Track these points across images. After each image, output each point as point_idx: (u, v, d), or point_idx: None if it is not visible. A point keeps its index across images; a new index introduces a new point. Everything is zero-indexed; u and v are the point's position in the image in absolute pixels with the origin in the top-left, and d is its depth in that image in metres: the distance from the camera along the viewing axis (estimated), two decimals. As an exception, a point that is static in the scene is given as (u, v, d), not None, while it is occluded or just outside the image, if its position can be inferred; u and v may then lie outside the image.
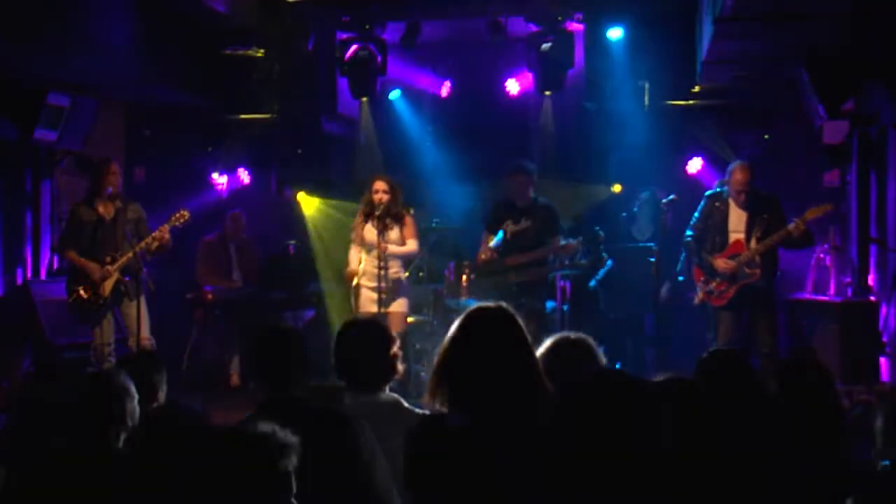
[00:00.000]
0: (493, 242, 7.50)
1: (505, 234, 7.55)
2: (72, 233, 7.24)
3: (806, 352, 7.01)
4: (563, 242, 7.45)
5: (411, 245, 7.21)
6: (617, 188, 8.95)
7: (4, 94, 7.37)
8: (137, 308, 7.07)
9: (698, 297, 7.16)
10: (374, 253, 7.04)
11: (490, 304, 3.10)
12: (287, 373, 3.58)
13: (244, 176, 9.45)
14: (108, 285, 7.07)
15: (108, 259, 7.06)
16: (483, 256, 7.55)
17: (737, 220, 7.02)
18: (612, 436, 2.07)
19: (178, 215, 7.20)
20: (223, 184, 9.50)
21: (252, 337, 3.71)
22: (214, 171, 9.40)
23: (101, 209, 7.17)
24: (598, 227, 7.88)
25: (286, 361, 3.58)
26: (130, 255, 7.01)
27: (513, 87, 9.10)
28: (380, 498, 3.19)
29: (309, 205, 9.48)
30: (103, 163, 7.26)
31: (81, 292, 7.07)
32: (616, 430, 2.07)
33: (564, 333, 3.42)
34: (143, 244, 7.04)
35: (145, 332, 7.11)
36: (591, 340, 3.37)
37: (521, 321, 3.07)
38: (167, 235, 7.11)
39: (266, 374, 3.61)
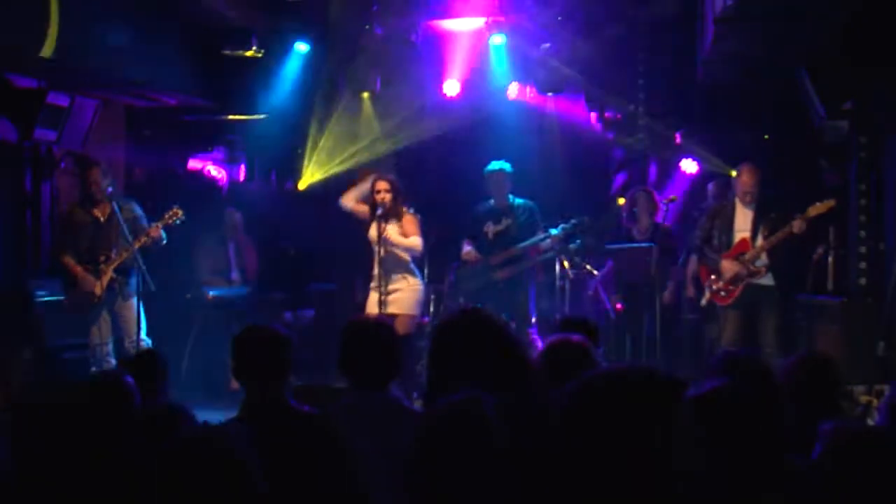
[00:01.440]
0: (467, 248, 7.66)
1: (486, 235, 7.70)
2: (67, 236, 7.29)
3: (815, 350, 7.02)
4: (550, 232, 7.54)
5: (413, 241, 7.18)
6: (621, 202, 8.93)
7: (4, 94, 7.37)
8: (136, 308, 7.12)
9: (706, 297, 7.21)
10: (379, 254, 7.06)
11: (460, 309, 3.11)
12: (270, 374, 3.58)
13: (244, 175, 9.44)
14: (103, 284, 7.12)
15: (103, 258, 7.11)
16: (467, 258, 7.71)
17: (743, 220, 7.08)
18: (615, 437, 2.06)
19: (171, 213, 7.24)
20: (222, 177, 9.48)
21: (238, 338, 3.71)
22: (214, 170, 9.40)
23: (96, 211, 7.22)
24: (582, 216, 7.88)
25: (270, 363, 3.58)
26: (125, 255, 7.07)
27: (512, 91, 9.08)
28: (362, 499, 3.19)
29: (313, 175, 9.45)
30: (87, 167, 7.34)
31: (75, 293, 7.11)
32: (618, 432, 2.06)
33: (563, 335, 3.42)
34: (137, 244, 7.07)
35: (141, 332, 7.15)
36: (588, 342, 3.38)
37: (495, 318, 3.07)
38: (159, 233, 7.15)
39: (250, 375, 3.61)
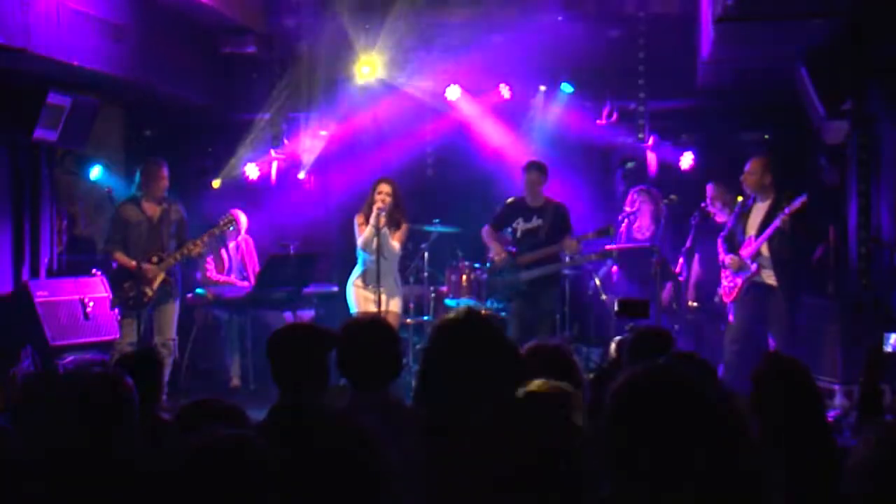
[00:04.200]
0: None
1: (515, 232, 7.64)
2: (117, 232, 7.35)
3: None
4: (568, 240, 7.52)
5: (395, 245, 7.32)
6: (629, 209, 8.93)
7: (4, 94, 7.38)
8: (173, 308, 7.35)
9: (718, 294, 7.29)
10: (377, 254, 7.11)
11: (456, 311, 3.11)
12: (302, 376, 3.51)
13: (251, 173, 9.38)
14: (156, 284, 7.18)
15: (155, 259, 7.18)
16: (496, 258, 7.63)
17: (755, 218, 7.12)
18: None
19: (227, 219, 7.45)
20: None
21: (271, 338, 3.62)
22: (215, 170, 9.39)
23: (147, 209, 7.28)
24: (607, 226, 7.87)
25: (303, 365, 3.52)
26: (178, 256, 7.17)
27: (505, 92, 9.07)
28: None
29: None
30: (154, 165, 7.39)
31: (128, 289, 7.16)
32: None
33: (542, 340, 3.45)
34: (192, 248, 7.20)
35: (172, 332, 7.33)
36: (568, 347, 3.41)
37: (496, 323, 3.06)
38: (206, 239, 7.38)
39: (280, 377, 3.55)
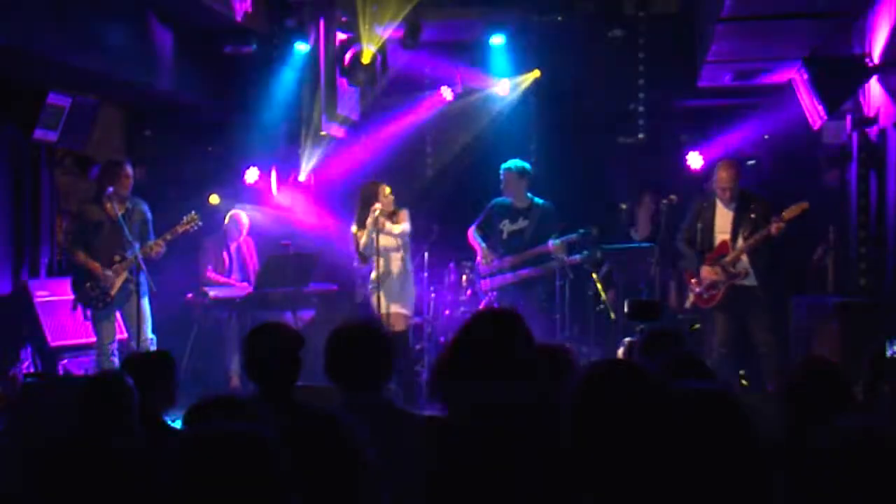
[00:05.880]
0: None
1: (501, 233, 7.65)
2: (80, 232, 7.32)
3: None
4: (550, 243, 7.53)
5: (404, 227, 7.35)
6: (624, 207, 8.93)
7: (4, 94, 7.38)
8: (142, 308, 7.18)
9: (689, 300, 7.20)
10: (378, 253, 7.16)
11: (499, 307, 3.13)
12: (281, 372, 3.58)
13: (251, 177, 9.36)
14: (117, 284, 7.15)
15: (117, 258, 7.14)
16: (483, 260, 7.68)
17: (723, 221, 7.06)
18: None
19: (189, 219, 7.31)
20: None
21: (247, 335, 3.73)
22: (214, 173, 9.38)
23: (109, 208, 7.25)
24: (591, 226, 7.84)
25: (282, 360, 3.58)
26: (139, 255, 7.13)
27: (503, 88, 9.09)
28: (371, 499, 3.17)
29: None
30: (117, 165, 7.36)
31: (89, 289, 7.12)
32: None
33: (544, 343, 3.44)
34: (153, 247, 7.14)
35: (148, 332, 7.18)
36: (570, 349, 3.41)
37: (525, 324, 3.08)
38: (169, 238, 7.24)
39: (260, 374, 3.61)
